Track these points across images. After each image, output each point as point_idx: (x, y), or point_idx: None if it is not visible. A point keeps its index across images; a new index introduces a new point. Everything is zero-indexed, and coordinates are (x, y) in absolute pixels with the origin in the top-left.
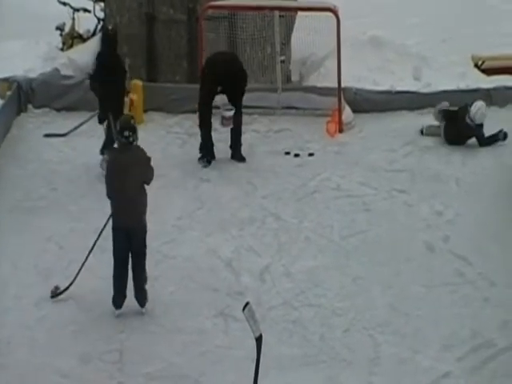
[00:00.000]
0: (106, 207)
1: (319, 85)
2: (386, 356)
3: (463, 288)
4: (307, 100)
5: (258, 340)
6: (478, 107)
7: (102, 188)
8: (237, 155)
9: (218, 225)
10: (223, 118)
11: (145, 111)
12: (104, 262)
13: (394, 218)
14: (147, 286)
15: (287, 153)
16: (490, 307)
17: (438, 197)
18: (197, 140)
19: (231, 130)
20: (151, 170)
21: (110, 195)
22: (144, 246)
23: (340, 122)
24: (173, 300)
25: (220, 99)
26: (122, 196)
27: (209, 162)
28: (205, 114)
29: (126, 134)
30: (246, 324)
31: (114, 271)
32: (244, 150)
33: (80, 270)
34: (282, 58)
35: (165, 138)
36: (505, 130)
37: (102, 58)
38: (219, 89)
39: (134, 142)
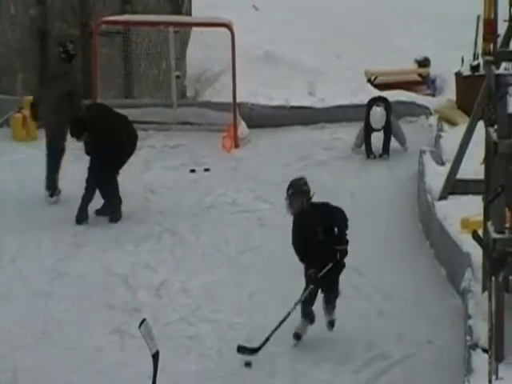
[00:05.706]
0: None
1: (214, 100)
2: (283, 370)
3: (359, 301)
4: (203, 115)
5: (155, 356)
6: (372, 114)
7: None
8: None
9: (113, 241)
10: None
11: (38, 127)
12: None
13: (290, 233)
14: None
15: (192, 170)
16: (385, 320)
17: None
18: None
19: None
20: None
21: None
22: None
23: (236, 137)
24: (67, 318)
25: None
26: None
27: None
28: None
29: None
30: (142, 341)
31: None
32: (139, 166)
33: None
34: (177, 73)
35: None
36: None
37: None
38: None
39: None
